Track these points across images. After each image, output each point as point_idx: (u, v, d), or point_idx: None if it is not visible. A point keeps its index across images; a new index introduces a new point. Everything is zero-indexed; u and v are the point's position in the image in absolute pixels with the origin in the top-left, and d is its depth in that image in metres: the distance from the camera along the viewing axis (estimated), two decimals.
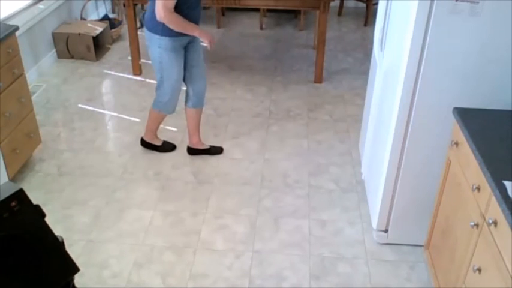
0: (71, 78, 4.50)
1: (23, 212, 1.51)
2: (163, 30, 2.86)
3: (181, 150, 3.47)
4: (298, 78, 4.54)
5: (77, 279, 1.73)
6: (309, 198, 3.06)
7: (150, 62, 4.75)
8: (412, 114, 2.30)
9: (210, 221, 2.88)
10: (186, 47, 3.05)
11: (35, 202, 1.55)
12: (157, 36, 2.91)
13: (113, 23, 5.27)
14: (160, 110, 3.24)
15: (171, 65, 3.01)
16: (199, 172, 3.26)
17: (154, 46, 2.96)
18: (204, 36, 2.97)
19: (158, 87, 3.14)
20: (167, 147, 3.48)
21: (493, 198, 1.68)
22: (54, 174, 3.25)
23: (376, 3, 5.52)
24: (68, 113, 3.95)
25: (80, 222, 2.85)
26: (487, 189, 1.73)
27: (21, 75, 3.09)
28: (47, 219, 1.60)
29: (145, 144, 3.47)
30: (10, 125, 2.96)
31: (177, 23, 2.82)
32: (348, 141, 3.63)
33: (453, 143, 2.11)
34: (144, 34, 3.04)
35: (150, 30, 2.95)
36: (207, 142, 3.48)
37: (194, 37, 3.01)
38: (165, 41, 2.91)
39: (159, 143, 3.47)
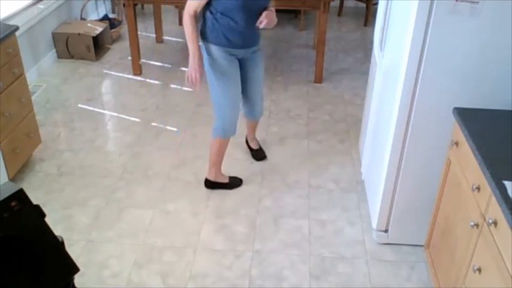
0: (71, 78, 4.50)
1: (23, 212, 1.50)
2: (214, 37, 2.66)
3: (181, 150, 3.48)
4: (298, 78, 4.54)
5: (77, 279, 1.73)
6: (309, 198, 3.06)
7: (150, 62, 4.83)
8: (412, 114, 2.30)
9: (210, 221, 2.88)
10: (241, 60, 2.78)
11: (35, 202, 1.55)
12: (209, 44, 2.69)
13: (113, 23, 5.27)
14: (217, 137, 2.94)
15: (220, 78, 2.75)
16: (199, 172, 3.25)
17: (204, 53, 2.72)
18: (191, 63, 2.65)
19: (214, 108, 2.88)
20: (235, 182, 3.13)
21: (493, 198, 1.68)
22: (54, 174, 3.25)
23: (376, 3, 5.52)
24: (68, 113, 3.95)
25: (80, 222, 2.85)
26: (487, 189, 1.73)
27: (21, 75, 3.09)
28: (47, 219, 1.60)
29: (210, 185, 3.09)
30: (10, 125, 2.96)
31: (186, 29, 2.61)
32: (348, 141, 3.63)
33: (453, 143, 2.11)
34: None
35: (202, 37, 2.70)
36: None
37: (254, 51, 2.79)
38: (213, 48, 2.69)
39: (226, 180, 3.11)
